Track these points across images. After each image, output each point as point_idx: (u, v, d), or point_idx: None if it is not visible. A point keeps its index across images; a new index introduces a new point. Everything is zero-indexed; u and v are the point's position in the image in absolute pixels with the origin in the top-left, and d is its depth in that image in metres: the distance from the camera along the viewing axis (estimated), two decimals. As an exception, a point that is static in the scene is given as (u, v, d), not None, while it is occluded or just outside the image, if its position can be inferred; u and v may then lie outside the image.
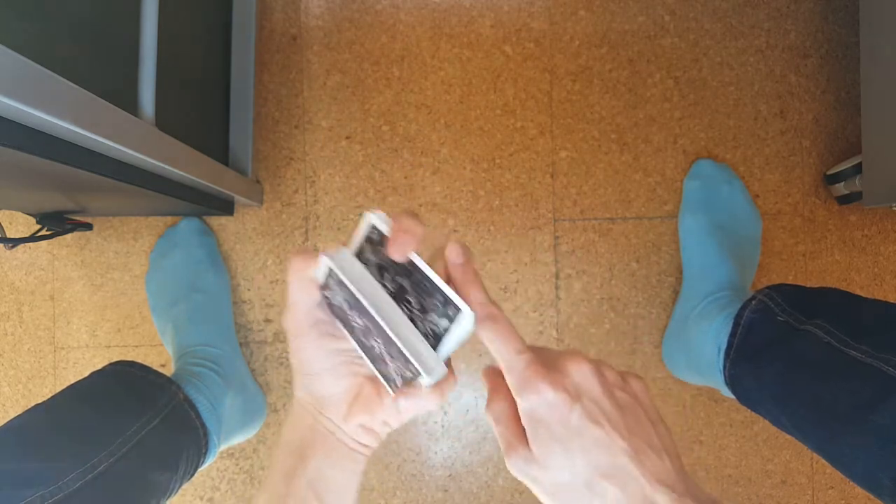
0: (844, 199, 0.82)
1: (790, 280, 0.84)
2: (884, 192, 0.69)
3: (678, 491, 0.29)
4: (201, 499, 0.84)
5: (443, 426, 0.84)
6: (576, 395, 0.31)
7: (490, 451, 0.84)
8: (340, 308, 0.34)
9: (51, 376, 0.85)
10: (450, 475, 0.84)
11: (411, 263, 0.33)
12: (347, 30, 0.85)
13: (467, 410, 0.84)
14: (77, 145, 0.44)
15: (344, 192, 0.84)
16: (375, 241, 0.34)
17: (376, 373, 0.36)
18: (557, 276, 0.84)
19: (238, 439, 0.79)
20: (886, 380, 0.48)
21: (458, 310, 0.32)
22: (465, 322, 0.32)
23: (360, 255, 0.35)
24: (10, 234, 0.82)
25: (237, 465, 0.84)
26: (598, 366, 0.32)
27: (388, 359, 0.34)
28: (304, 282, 0.35)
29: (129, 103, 0.51)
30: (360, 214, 0.35)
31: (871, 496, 0.48)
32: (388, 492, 0.84)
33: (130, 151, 0.47)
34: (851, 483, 0.49)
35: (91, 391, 0.60)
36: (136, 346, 0.85)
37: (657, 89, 0.85)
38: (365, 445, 0.38)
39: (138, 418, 0.59)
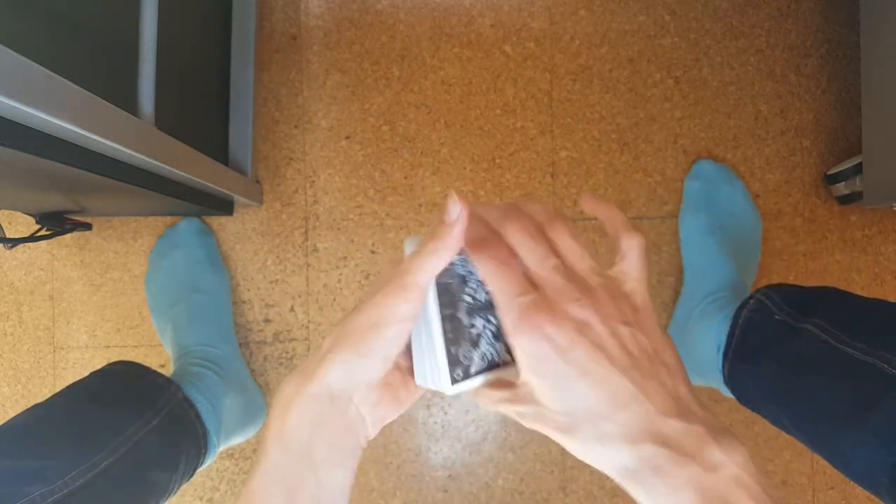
0: (845, 199, 0.82)
1: (791, 280, 0.84)
2: (884, 192, 0.69)
3: (686, 419, 0.29)
4: (201, 499, 0.84)
5: (443, 426, 0.84)
6: (577, 333, 0.30)
7: (490, 452, 0.84)
8: (456, 283, 0.33)
9: (50, 376, 0.85)
10: (450, 476, 0.84)
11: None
12: (347, 29, 0.85)
13: (467, 411, 0.84)
14: (77, 145, 0.43)
15: (344, 192, 0.84)
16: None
17: (444, 356, 0.32)
18: (557, 276, 0.84)
19: (237, 440, 0.79)
20: (884, 377, 0.48)
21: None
22: None
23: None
24: (9, 234, 0.82)
25: (237, 465, 0.84)
26: (599, 305, 0.31)
27: (487, 339, 0.33)
28: (443, 262, 0.31)
29: (129, 103, 0.51)
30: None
31: (872, 496, 0.48)
32: (388, 492, 0.84)
33: (130, 151, 0.47)
34: (852, 483, 0.49)
35: (90, 391, 0.60)
36: (136, 347, 0.85)
37: (657, 89, 0.85)
38: (367, 439, 0.35)
39: (138, 418, 0.59)
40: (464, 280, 0.33)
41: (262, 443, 0.32)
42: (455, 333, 0.32)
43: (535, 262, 0.32)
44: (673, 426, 0.29)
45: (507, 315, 0.31)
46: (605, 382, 0.29)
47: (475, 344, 0.33)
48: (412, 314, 0.31)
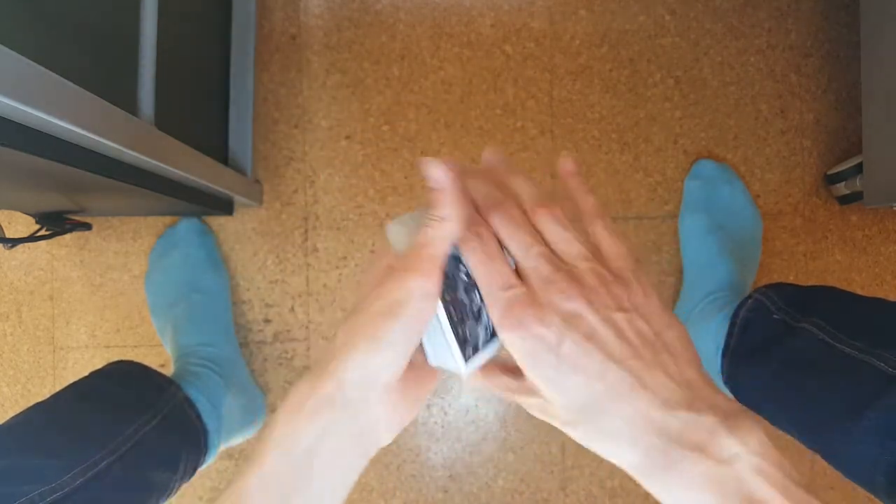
0: (845, 199, 0.82)
1: (791, 280, 0.84)
2: (884, 192, 0.69)
3: (694, 408, 0.28)
4: (201, 499, 0.84)
5: (443, 427, 0.84)
6: (566, 326, 0.28)
7: (490, 452, 0.84)
8: (450, 265, 0.31)
9: (50, 377, 0.85)
10: (450, 476, 0.84)
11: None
12: (347, 29, 0.85)
13: (467, 411, 0.84)
14: (77, 145, 0.43)
15: (344, 192, 0.84)
16: None
17: (454, 341, 0.31)
18: (557, 276, 0.84)
19: (237, 440, 0.79)
20: (881, 376, 0.48)
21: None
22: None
23: None
24: (9, 234, 0.81)
25: (237, 465, 0.84)
26: (589, 293, 0.29)
27: (487, 311, 0.31)
28: (455, 228, 0.30)
29: (129, 103, 0.51)
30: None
31: (872, 497, 0.48)
32: (388, 492, 0.84)
33: (130, 151, 0.46)
34: (852, 483, 0.49)
35: (91, 390, 0.60)
36: (136, 347, 0.85)
37: (658, 89, 0.85)
38: (378, 447, 0.32)
39: (138, 417, 0.58)
40: (457, 259, 0.31)
41: (263, 441, 0.29)
42: (460, 314, 0.31)
43: (519, 252, 0.31)
44: (679, 417, 0.27)
45: (493, 311, 0.30)
46: (600, 376, 0.28)
47: (477, 318, 0.32)
48: (433, 291, 0.29)
